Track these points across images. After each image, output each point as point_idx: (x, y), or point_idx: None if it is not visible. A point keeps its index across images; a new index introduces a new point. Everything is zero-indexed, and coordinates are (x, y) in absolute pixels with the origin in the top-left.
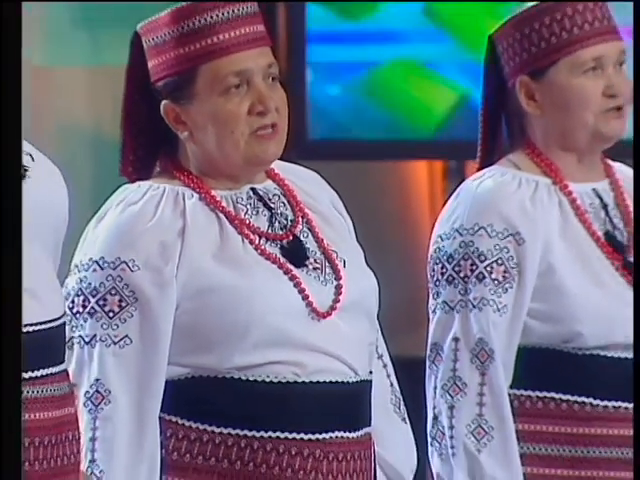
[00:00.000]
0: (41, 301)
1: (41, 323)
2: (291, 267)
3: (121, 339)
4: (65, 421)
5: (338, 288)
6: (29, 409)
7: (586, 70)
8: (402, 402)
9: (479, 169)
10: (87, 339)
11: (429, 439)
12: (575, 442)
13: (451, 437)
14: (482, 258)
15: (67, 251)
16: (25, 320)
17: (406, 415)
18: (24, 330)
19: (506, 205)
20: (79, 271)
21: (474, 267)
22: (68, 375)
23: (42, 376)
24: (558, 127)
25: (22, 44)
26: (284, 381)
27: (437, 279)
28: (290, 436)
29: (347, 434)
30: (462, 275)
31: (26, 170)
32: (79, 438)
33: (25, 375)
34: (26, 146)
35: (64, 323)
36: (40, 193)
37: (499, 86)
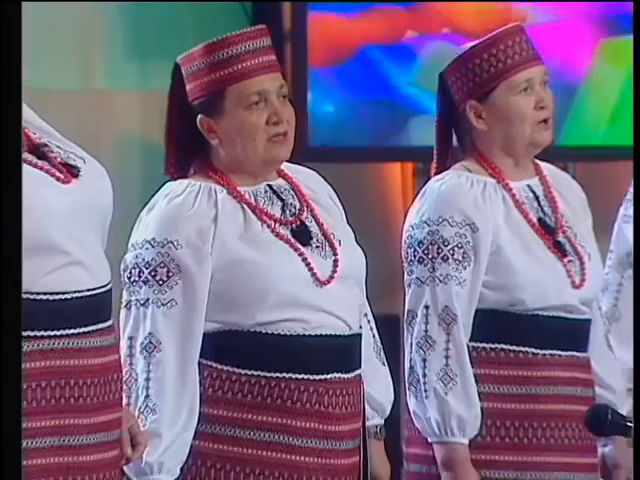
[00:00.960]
0: (91, 272)
1: (90, 290)
2: (299, 245)
3: (169, 302)
4: (110, 366)
5: (335, 262)
6: (81, 356)
7: (520, 90)
8: (382, 350)
9: (436, 173)
10: (142, 302)
11: (407, 384)
12: (522, 382)
13: (424, 383)
14: (446, 243)
15: (121, 234)
16: (79, 287)
17: (385, 360)
18: (78, 295)
19: (463, 201)
20: (135, 249)
21: (440, 250)
22: (113, 329)
23: (91, 331)
24: (501, 138)
25: (84, 73)
26: (294, 334)
27: (410, 260)
28: (299, 376)
29: (343, 375)
30: (430, 257)
31: (79, 170)
32: (122, 380)
33: (79, 330)
34: (80, 152)
35: (110, 289)
36: (90, 189)
37: (450, 110)
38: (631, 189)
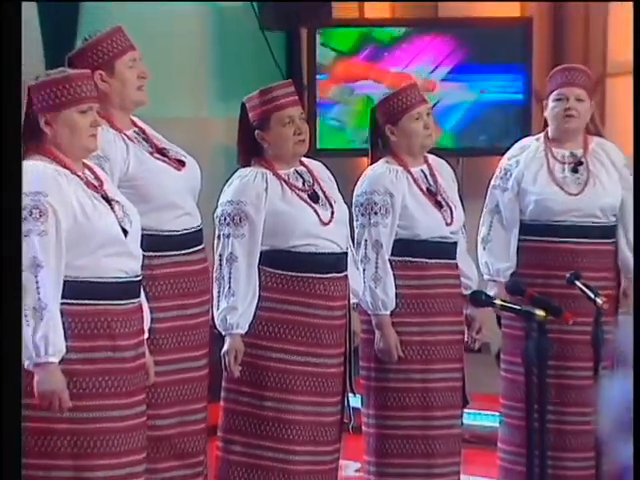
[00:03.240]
0: (193, 218)
1: (193, 227)
2: (312, 203)
3: (240, 235)
4: (205, 269)
5: (332, 213)
6: (190, 264)
7: (415, 119)
8: (357, 261)
9: (370, 164)
10: (226, 235)
11: (364, 283)
12: (419, 277)
13: (364, 282)
14: (376, 204)
15: (213, 199)
16: (187, 226)
17: (359, 266)
18: (187, 231)
19: (385, 180)
20: (222, 206)
21: (372, 208)
22: (204, 250)
23: (194, 251)
24: (405, 145)
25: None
26: (310, 252)
27: (356, 214)
28: (313, 275)
29: (337, 274)
30: (367, 212)
31: (184, 164)
32: (212, 277)
33: (188, 250)
34: (183, 152)
35: (202, 227)
36: (190, 173)
37: (376, 130)
38: (497, 172)
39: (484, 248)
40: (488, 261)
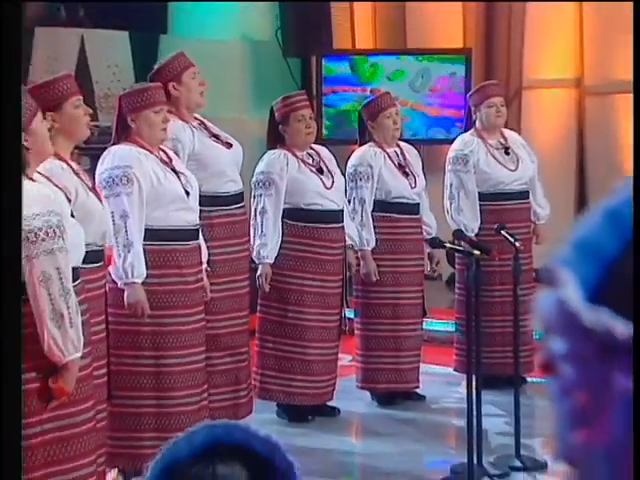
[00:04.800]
0: (236, 184)
1: (236, 191)
2: (318, 174)
3: (268, 194)
4: (245, 220)
5: (332, 181)
6: (233, 216)
7: (387, 117)
8: (350, 213)
9: (358, 147)
10: (259, 195)
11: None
12: (392, 227)
13: (353, 219)
14: (360, 172)
15: (249, 172)
16: (232, 190)
17: (353, 217)
18: (232, 194)
19: (367, 156)
20: (256, 176)
21: (359, 176)
22: (245, 206)
23: (237, 207)
24: (382, 135)
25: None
26: (317, 209)
27: (348, 181)
28: (319, 225)
29: (337, 225)
30: (355, 179)
31: (231, 145)
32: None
33: (234, 206)
34: (229, 136)
35: (243, 191)
36: (236, 151)
37: (362, 125)
38: (454, 160)
39: (458, 214)
40: (464, 223)
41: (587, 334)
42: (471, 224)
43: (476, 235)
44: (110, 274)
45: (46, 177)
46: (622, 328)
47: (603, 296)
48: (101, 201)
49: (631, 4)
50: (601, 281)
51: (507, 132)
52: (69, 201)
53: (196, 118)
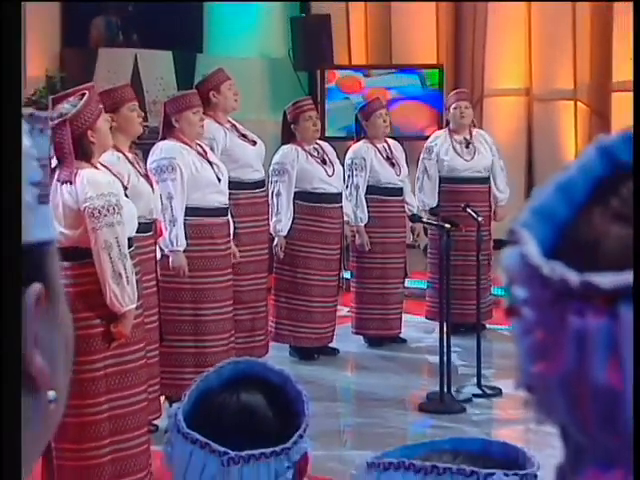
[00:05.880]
0: (259, 172)
1: (258, 178)
2: (322, 165)
3: (283, 181)
4: (265, 200)
5: (333, 170)
6: (255, 197)
7: (378, 118)
8: (347, 196)
9: (355, 143)
10: (275, 181)
11: (348, 202)
12: (381, 208)
13: (349, 201)
14: (356, 162)
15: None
16: (254, 177)
17: (348, 198)
18: (255, 180)
19: (361, 150)
20: (272, 165)
21: (355, 167)
22: (265, 189)
23: (261, 190)
24: (374, 132)
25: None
26: (321, 192)
27: (345, 171)
28: (324, 205)
29: (337, 205)
30: (351, 169)
31: (255, 142)
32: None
33: (258, 190)
34: (253, 135)
35: (264, 178)
36: (259, 147)
37: (357, 124)
38: (424, 150)
39: (420, 192)
40: (423, 200)
41: (544, 283)
42: (429, 201)
43: (443, 211)
44: (159, 244)
45: (105, 166)
46: (573, 277)
47: (556, 253)
48: (151, 184)
49: (561, 22)
50: (554, 241)
51: (476, 130)
52: (123, 185)
53: (228, 121)
